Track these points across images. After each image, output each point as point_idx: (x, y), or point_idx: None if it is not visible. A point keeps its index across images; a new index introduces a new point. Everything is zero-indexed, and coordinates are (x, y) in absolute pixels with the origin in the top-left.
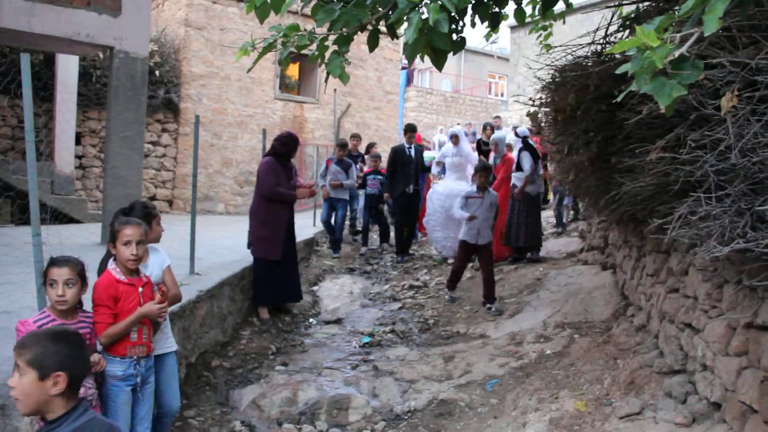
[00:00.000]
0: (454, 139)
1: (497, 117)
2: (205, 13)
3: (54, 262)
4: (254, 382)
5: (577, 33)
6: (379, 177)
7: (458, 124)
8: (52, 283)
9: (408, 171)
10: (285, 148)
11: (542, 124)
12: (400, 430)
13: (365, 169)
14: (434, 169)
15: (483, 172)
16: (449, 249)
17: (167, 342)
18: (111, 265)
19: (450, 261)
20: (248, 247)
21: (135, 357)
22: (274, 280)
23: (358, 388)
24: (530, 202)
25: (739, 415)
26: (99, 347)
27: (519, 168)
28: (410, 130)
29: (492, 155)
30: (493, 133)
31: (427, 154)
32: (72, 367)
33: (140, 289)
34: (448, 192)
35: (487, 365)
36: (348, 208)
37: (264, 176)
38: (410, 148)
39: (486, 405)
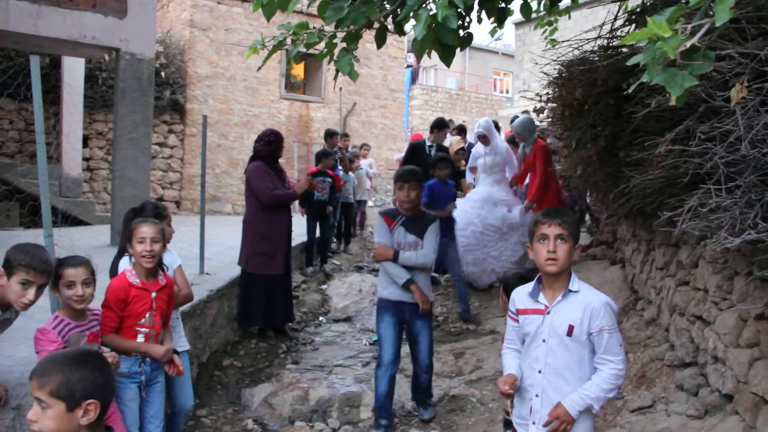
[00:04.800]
0: (483, 139)
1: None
2: (210, 14)
3: (67, 263)
4: (265, 381)
5: (582, 28)
6: (329, 179)
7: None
8: (69, 284)
9: (425, 171)
10: (269, 147)
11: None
12: (412, 427)
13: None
14: (468, 178)
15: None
16: (488, 273)
17: (179, 342)
18: (128, 266)
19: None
20: (239, 263)
21: (140, 356)
22: (271, 297)
23: (369, 386)
24: None
25: (751, 406)
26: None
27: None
28: (440, 125)
29: (520, 144)
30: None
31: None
32: (101, 392)
33: (153, 294)
34: (485, 197)
35: (497, 361)
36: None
37: (256, 183)
38: (432, 146)
39: (497, 400)
